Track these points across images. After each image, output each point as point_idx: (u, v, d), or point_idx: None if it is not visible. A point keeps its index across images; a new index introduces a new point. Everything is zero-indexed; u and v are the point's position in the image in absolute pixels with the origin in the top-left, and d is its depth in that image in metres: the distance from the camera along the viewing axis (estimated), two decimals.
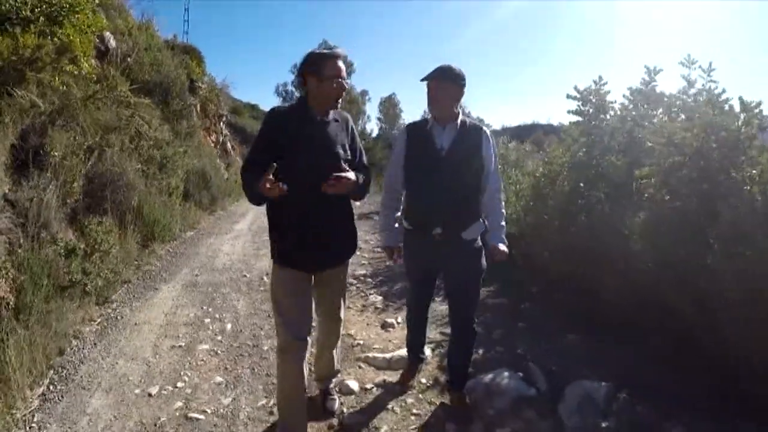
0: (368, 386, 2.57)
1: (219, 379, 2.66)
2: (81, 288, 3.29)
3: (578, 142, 3.23)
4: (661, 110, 2.93)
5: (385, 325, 3.42)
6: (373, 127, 32.03)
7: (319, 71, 1.85)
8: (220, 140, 12.26)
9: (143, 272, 4.46)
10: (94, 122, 4.46)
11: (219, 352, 3.00)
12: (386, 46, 72.27)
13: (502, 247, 2.13)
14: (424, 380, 2.61)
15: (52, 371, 2.59)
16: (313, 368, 2.42)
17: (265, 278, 4.42)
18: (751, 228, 1.92)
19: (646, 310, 2.53)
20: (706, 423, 2.03)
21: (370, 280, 4.55)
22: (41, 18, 3.99)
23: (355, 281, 4.45)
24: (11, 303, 2.59)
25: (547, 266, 3.42)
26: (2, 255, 2.71)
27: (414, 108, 31.45)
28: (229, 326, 3.39)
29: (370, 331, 3.36)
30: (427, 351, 2.84)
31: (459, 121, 2.11)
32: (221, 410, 2.36)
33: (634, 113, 3.00)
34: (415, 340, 2.56)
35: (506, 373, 2.51)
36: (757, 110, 2.16)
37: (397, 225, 2.29)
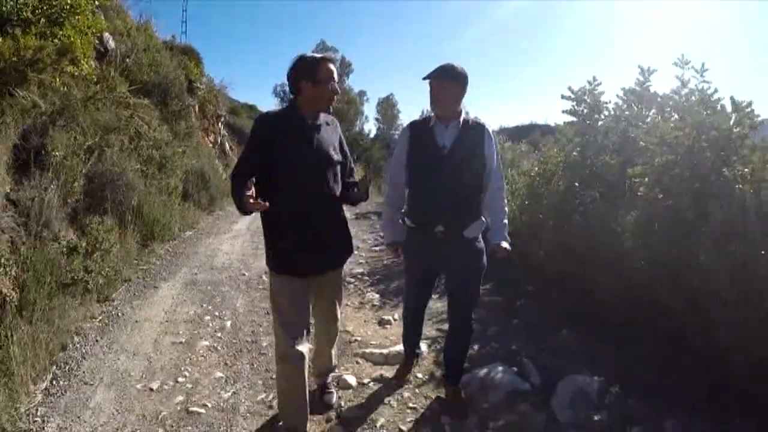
0: (365, 381, 2.61)
1: (219, 374, 2.70)
2: (83, 286, 3.33)
3: (573, 141, 3.27)
4: (654, 110, 2.96)
5: (382, 322, 3.47)
6: (371, 128, 31.94)
7: (313, 75, 1.87)
8: (219, 141, 12.27)
9: (143, 271, 4.50)
10: (94, 122, 4.51)
11: (219, 348, 3.04)
12: (385, 46, 72.03)
13: (505, 244, 2.14)
14: (420, 375, 2.66)
15: (55, 367, 2.63)
16: (311, 365, 2.46)
17: (263, 277, 4.45)
18: (742, 226, 1.93)
19: (640, 309, 2.54)
20: (706, 423, 2.05)
21: (367, 278, 4.60)
22: (42, 19, 4.03)
23: (352, 279, 4.49)
24: (15, 300, 2.62)
25: (542, 265, 3.44)
26: (5, 253, 2.75)
27: (412, 108, 31.44)
28: (228, 323, 3.43)
29: (368, 328, 3.40)
30: (423, 346, 2.89)
31: (461, 120, 2.11)
32: (221, 404, 2.40)
33: (627, 113, 3.02)
34: (411, 337, 2.60)
35: (501, 368, 2.55)
36: (748, 110, 2.16)
37: (400, 221, 2.31)
